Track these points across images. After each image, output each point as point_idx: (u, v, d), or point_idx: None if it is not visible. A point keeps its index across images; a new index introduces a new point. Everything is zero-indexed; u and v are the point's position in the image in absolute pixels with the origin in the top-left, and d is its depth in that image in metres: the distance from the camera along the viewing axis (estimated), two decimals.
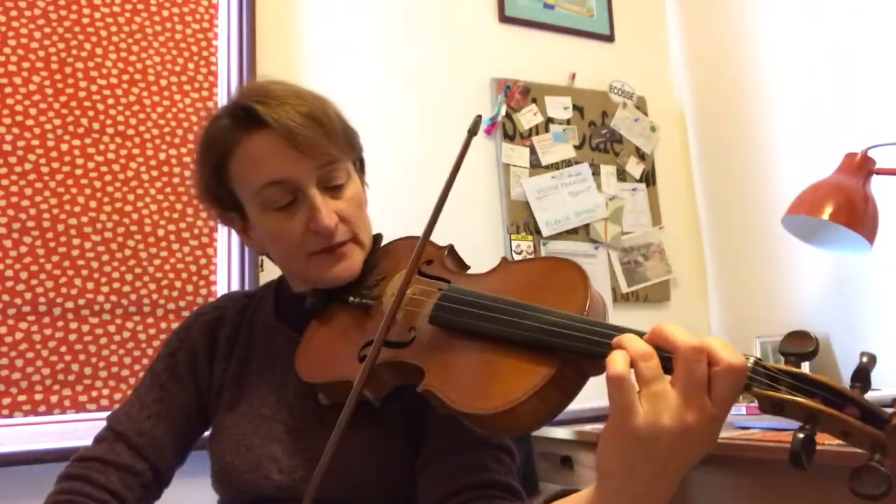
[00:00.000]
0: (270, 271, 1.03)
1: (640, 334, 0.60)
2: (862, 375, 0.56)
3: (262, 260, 1.01)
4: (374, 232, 0.97)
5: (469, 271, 0.92)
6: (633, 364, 0.56)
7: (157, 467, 0.93)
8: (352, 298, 0.88)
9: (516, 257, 2.15)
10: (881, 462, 0.51)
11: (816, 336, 0.57)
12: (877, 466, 0.51)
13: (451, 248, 0.92)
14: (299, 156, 0.85)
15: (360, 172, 0.98)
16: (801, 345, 0.57)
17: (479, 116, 0.87)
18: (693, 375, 0.55)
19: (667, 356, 0.57)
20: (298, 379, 0.88)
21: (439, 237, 0.96)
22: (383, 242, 0.99)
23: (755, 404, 1.67)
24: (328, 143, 0.86)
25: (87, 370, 1.64)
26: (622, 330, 0.61)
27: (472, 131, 0.84)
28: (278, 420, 0.90)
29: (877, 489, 0.50)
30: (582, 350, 0.63)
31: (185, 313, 1.76)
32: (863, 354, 0.57)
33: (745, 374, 0.55)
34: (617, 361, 0.56)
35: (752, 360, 0.57)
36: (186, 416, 0.97)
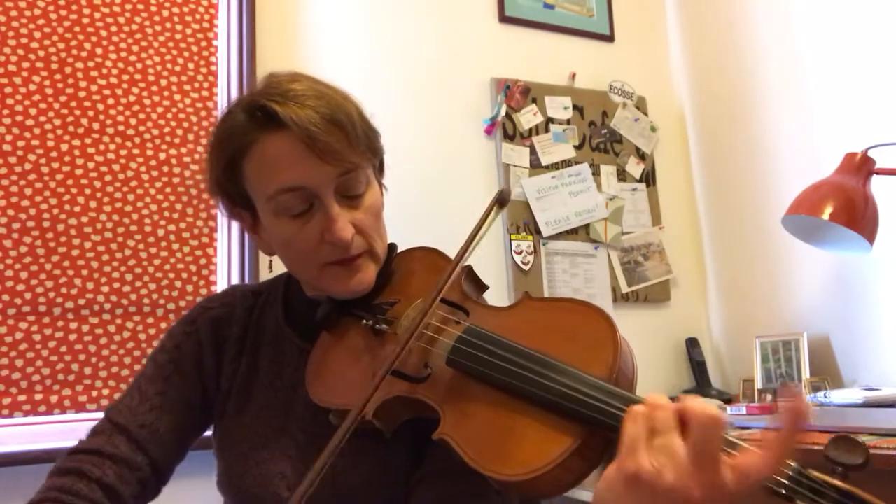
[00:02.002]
0: (278, 271, 1.01)
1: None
2: None
3: (270, 262, 0.99)
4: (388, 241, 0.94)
5: (486, 294, 0.89)
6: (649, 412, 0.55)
7: (157, 462, 0.89)
8: (364, 322, 0.85)
9: (516, 257, 2.15)
10: None
11: (867, 446, 0.54)
12: None
13: (469, 270, 0.87)
14: (319, 162, 0.80)
15: (380, 175, 0.94)
16: (850, 455, 0.53)
17: (506, 192, 0.81)
18: (705, 440, 0.53)
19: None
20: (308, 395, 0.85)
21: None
22: (399, 250, 0.96)
23: (756, 404, 1.68)
24: (349, 150, 0.81)
25: (87, 370, 1.64)
26: None
27: (502, 203, 0.80)
28: (288, 434, 0.88)
29: None
30: (607, 425, 0.59)
31: (185, 313, 1.75)
32: None
33: (767, 475, 0.52)
34: (637, 407, 0.57)
35: (796, 467, 0.52)
36: (189, 411, 0.93)
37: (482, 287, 0.88)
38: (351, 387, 0.81)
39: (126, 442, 0.87)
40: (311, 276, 0.87)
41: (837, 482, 0.52)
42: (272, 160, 0.81)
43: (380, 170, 0.94)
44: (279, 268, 0.98)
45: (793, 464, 0.52)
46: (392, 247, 0.94)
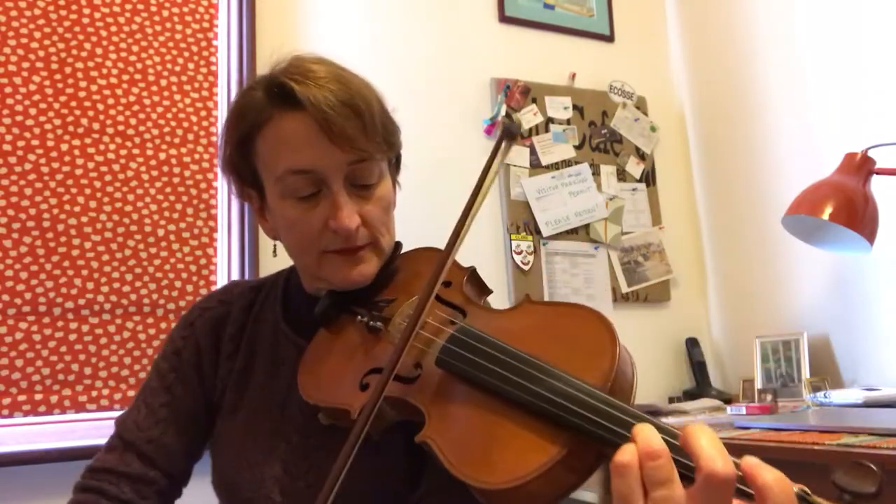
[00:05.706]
0: (283, 259, 1.01)
1: (670, 432, 0.53)
2: None
3: (274, 246, 0.96)
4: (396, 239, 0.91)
5: (489, 297, 0.87)
6: (640, 461, 0.50)
7: (170, 472, 0.91)
8: (360, 318, 0.82)
9: (516, 257, 2.15)
10: None
11: (881, 472, 0.49)
12: None
13: (472, 272, 0.84)
14: (331, 147, 0.78)
15: (395, 171, 0.91)
16: (861, 482, 0.49)
17: (513, 125, 0.73)
18: (716, 499, 0.47)
19: (689, 464, 0.49)
20: None
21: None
22: (403, 251, 0.93)
23: (756, 404, 1.68)
24: (364, 139, 0.79)
25: (87, 370, 1.64)
26: (646, 419, 0.54)
27: (511, 136, 0.72)
28: (282, 436, 0.87)
29: None
30: (598, 436, 0.55)
31: (184, 313, 1.75)
32: None
33: None
34: (625, 451, 0.50)
35: (797, 489, 0.48)
36: (194, 419, 0.94)
37: (485, 290, 0.86)
38: (339, 385, 0.79)
39: (137, 459, 0.90)
40: (312, 262, 0.85)
41: None
42: (285, 140, 0.80)
43: (396, 166, 0.92)
44: (283, 254, 0.96)
45: (796, 489, 0.49)
46: (398, 245, 0.91)
